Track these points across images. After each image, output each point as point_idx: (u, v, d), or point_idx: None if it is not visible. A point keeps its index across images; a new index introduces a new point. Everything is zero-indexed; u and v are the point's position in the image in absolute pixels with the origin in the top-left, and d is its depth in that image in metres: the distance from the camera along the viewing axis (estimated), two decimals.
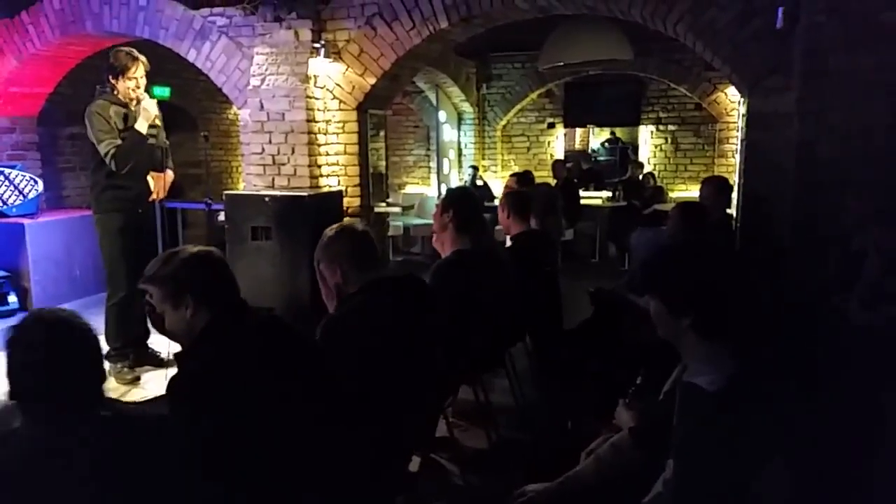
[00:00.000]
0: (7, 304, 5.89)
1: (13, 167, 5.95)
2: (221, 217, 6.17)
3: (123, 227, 4.38)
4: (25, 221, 6.19)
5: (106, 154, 4.22)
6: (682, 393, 1.77)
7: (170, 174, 4.63)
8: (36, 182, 5.92)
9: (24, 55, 6.55)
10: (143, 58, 4.40)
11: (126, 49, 4.44)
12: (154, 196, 4.53)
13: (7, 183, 5.68)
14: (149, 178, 4.44)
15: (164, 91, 9.78)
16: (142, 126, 4.32)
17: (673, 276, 1.81)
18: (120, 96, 4.35)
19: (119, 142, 4.23)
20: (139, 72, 4.34)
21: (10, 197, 5.71)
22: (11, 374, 1.62)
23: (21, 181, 5.80)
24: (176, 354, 2.01)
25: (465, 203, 3.33)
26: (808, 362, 2.46)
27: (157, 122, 4.53)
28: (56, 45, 6.50)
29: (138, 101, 4.35)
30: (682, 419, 1.76)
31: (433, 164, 11.75)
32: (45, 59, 6.66)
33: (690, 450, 1.70)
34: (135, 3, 6.07)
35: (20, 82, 6.80)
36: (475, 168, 10.74)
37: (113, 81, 4.34)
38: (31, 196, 5.92)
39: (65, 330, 1.67)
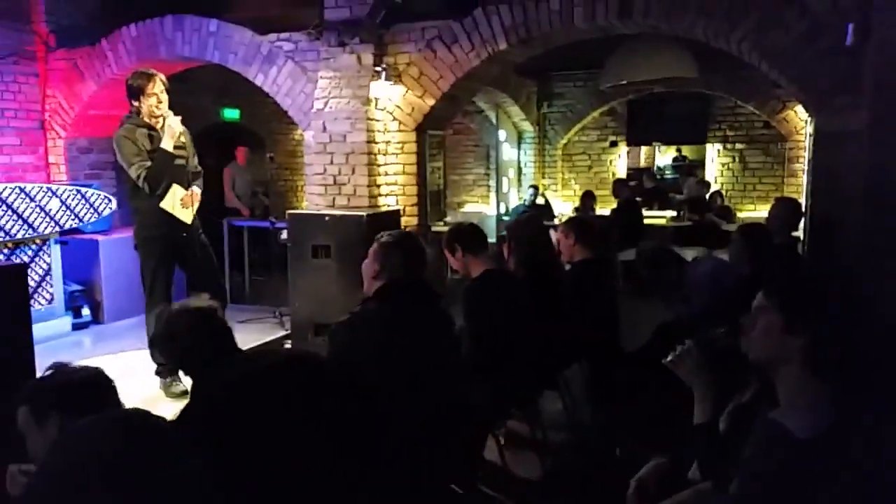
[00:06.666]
0: (81, 316, 6.15)
1: (89, 186, 6.24)
2: (284, 235, 6.33)
3: (164, 252, 4.35)
4: (99, 238, 6.45)
5: (138, 177, 4.15)
6: (767, 431, 1.65)
7: (196, 191, 4.47)
8: (110, 200, 6.19)
9: (103, 79, 6.88)
10: (159, 74, 4.32)
11: (141, 69, 4.42)
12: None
13: (84, 201, 5.96)
14: (174, 193, 4.29)
15: (234, 113, 10.10)
16: (167, 144, 4.22)
17: (803, 290, 1.71)
18: (144, 117, 4.27)
19: (149, 163, 4.16)
20: (157, 87, 4.26)
21: (85, 214, 5.98)
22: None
23: (96, 199, 6.07)
24: None
25: (464, 234, 3.55)
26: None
27: (184, 139, 4.42)
28: (132, 70, 6.78)
29: (164, 119, 4.26)
30: (760, 457, 1.64)
31: (492, 183, 11.76)
32: (122, 83, 6.90)
33: (765, 491, 1.60)
34: (205, 29, 6.33)
35: (98, 105, 7.14)
36: (535, 187, 10.69)
37: (136, 104, 4.28)
38: (105, 213, 6.20)
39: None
